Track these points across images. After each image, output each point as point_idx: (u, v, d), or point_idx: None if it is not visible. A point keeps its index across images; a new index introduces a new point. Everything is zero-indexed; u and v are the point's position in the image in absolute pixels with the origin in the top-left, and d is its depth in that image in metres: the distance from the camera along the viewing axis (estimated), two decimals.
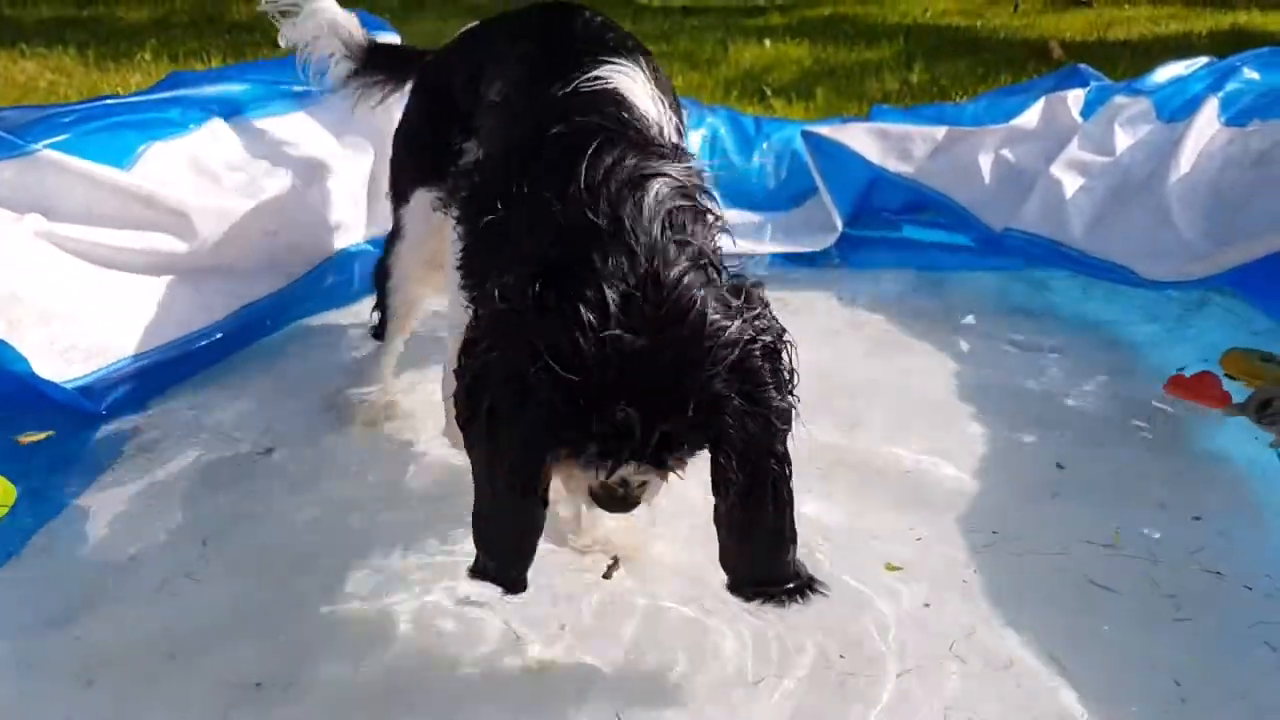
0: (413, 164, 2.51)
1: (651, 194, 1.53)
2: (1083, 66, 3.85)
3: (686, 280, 1.44)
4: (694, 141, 3.88)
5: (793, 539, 1.67)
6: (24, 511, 2.20)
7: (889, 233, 3.71)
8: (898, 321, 3.20)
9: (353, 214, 3.19)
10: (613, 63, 1.88)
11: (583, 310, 1.39)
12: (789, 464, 1.61)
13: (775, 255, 3.57)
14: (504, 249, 1.65)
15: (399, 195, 2.54)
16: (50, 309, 2.42)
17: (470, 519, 1.66)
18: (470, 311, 1.66)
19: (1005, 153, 3.45)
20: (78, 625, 1.90)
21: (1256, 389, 2.58)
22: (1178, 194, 3.07)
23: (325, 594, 1.98)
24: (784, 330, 1.57)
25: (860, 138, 3.55)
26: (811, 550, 2.04)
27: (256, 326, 2.88)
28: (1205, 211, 3.03)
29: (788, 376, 1.57)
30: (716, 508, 1.63)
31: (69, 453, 2.41)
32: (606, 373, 1.39)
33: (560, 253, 1.49)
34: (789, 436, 1.59)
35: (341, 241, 3.15)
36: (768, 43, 7.97)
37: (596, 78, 1.83)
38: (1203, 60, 3.67)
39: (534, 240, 1.56)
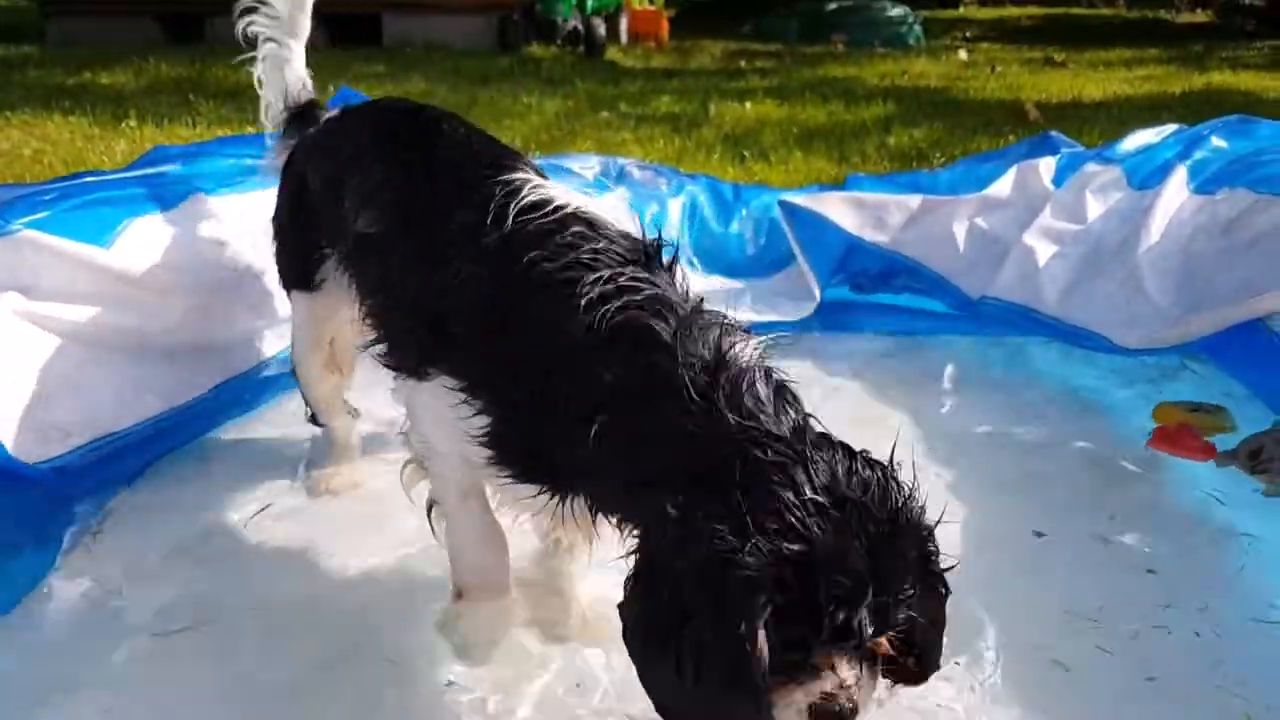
0: (285, 265, 2.55)
1: (744, 367, 1.57)
2: (1054, 134, 3.93)
3: (850, 466, 1.45)
4: (673, 209, 3.92)
5: None
6: None
7: (867, 298, 3.75)
8: (874, 387, 3.22)
9: None
10: (524, 177, 1.87)
11: (789, 503, 1.36)
12: None
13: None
14: (595, 440, 1.55)
15: (285, 290, 2.59)
16: (28, 389, 2.41)
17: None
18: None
19: (979, 221, 3.49)
20: (55, 708, 1.88)
21: (1245, 438, 2.61)
22: (1149, 261, 3.11)
23: (301, 672, 1.97)
24: None
25: (836, 207, 3.59)
26: None
27: (236, 402, 2.88)
28: (1176, 279, 3.07)
29: None
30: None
31: (45, 532, 2.39)
32: (825, 563, 1.35)
33: (703, 455, 1.46)
34: None
35: None
36: (748, 105, 8.08)
37: (535, 204, 1.79)
38: (1171, 128, 3.74)
39: (657, 447, 1.52)
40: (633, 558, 1.53)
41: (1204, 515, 2.50)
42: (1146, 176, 3.41)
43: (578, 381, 1.60)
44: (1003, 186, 3.55)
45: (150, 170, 3.11)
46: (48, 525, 2.38)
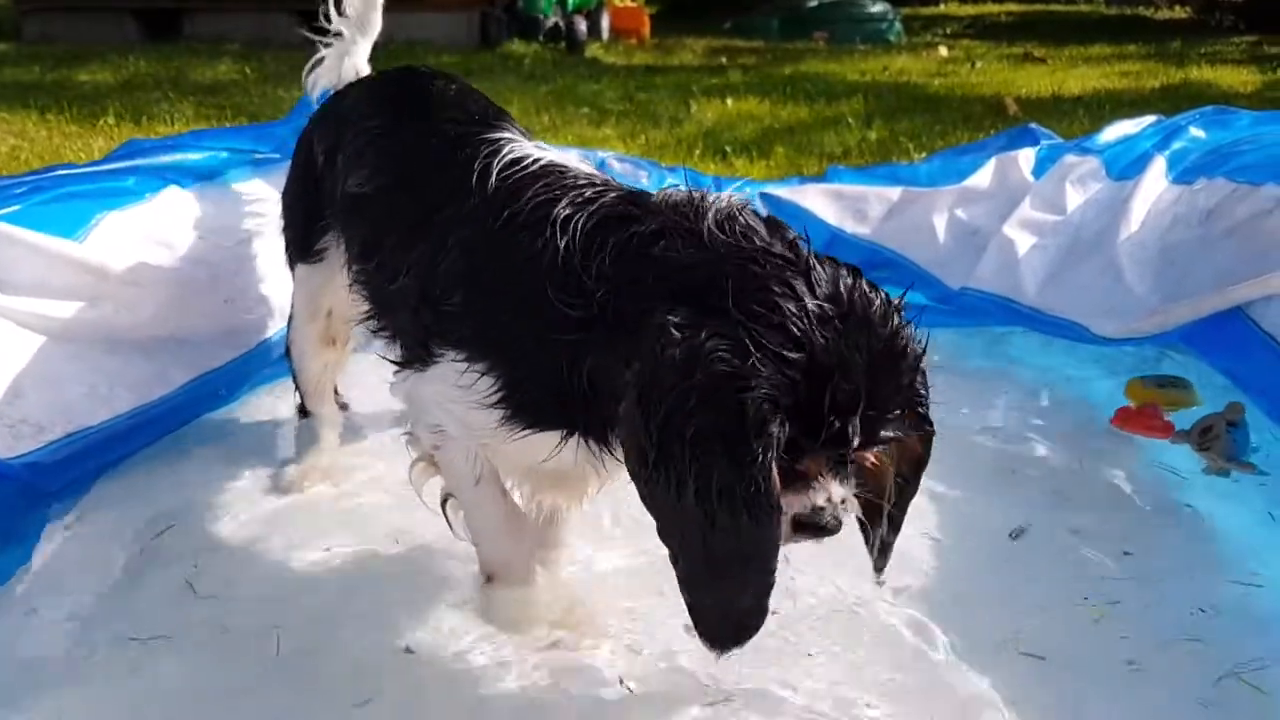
0: (290, 236, 2.54)
1: (730, 205, 1.55)
2: (1033, 125, 3.94)
3: (853, 283, 1.44)
4: None
5: None
6: None
7: None
8: None
9: None
10: (506, 135, 1.91)
11: (790, 312, 1.37)
12: None
13: None
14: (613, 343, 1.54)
15: (290, 265, 2.57)
16: (0, 383, 2.38)
17: (689, 599, 1.52)
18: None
19: (959, 212, 3.50)
20: (21, 709, 1.85)
21: (1200, 418, 2.62)
22: (1128, 251, 3.12)
23: (277, 672, 1.95)
24: None
25: (817, 199, 3.59)
26: None
27: (211, 397, 2.85)
28: (1155, 269, 3.07)
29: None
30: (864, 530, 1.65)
31: (17, 528, 2.36)
32: (828, 370, 1.36)
33: (705, 282, 1.44)
34: None
35: None
36: (729, 101, 8.08)
37: (512, 162, 1.82)
38: (1150, 119, 3.75)
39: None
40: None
41: (1178, 497, 2.53)
42: (1125, 167, 3.42)
43: (570, 295, 1.58)
44: (982, 178, 3.56)
45: (124, 163, 3.08)
46: (20, 521, 2.36)
